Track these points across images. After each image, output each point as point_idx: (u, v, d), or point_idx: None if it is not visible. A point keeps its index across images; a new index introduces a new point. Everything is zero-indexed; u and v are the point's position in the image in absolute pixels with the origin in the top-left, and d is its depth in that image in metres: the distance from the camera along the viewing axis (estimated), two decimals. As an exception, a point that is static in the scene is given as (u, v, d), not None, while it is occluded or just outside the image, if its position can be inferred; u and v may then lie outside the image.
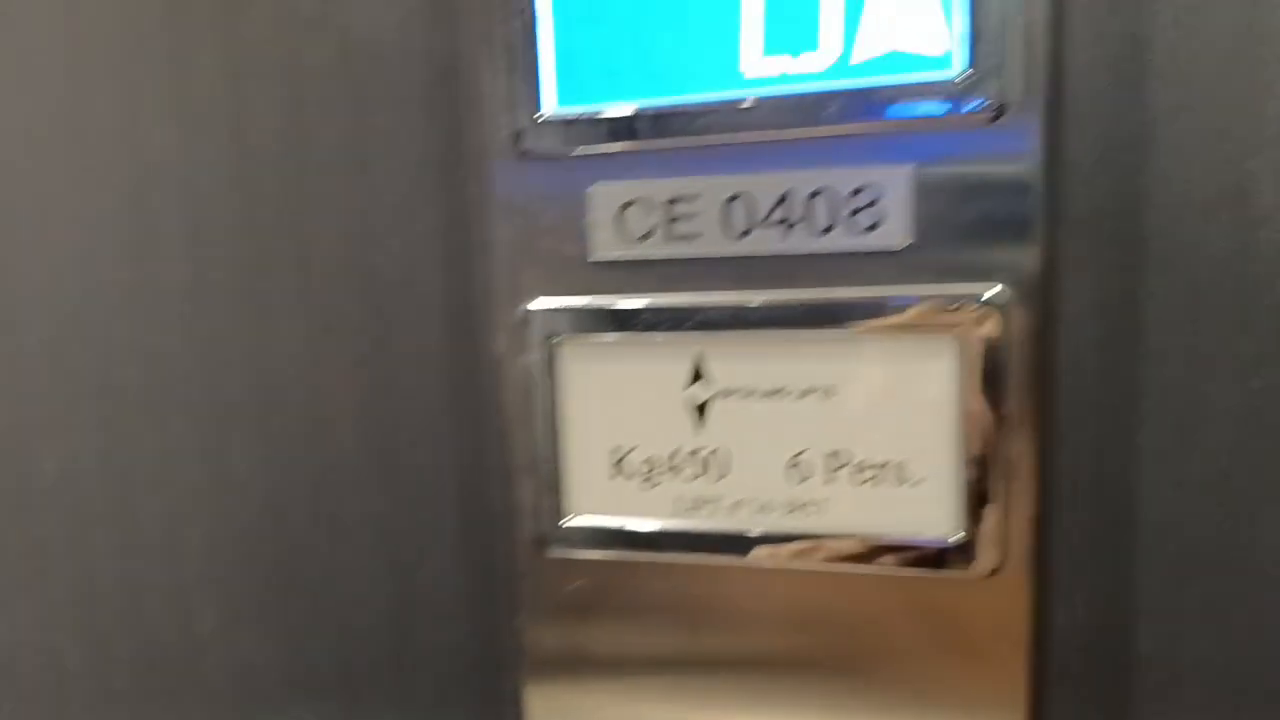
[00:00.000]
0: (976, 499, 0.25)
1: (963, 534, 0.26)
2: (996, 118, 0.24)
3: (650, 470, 0.28)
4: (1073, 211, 0.25)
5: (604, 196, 0.27)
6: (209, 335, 0.33)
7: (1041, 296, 0.25)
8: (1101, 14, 0.24)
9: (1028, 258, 0.24)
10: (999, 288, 0.25)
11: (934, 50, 0.24)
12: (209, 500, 0.33)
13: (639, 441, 0.28)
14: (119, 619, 0.34)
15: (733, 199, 0.26)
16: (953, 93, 0.24)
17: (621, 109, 0.27)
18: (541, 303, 0.28)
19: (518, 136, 0.27)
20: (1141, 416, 0.25)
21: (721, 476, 0.28)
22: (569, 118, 0.27)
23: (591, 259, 0.28)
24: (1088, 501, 0.26)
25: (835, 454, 0.27)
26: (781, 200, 0.26)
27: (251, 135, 0.31)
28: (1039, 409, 0.25)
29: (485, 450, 0.30)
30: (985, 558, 0.26)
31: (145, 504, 0.34)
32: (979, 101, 0.24)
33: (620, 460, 0.28)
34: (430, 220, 0.30)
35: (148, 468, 0.34)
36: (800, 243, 0.26)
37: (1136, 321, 0.25)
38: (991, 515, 0.25)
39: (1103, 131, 0.24)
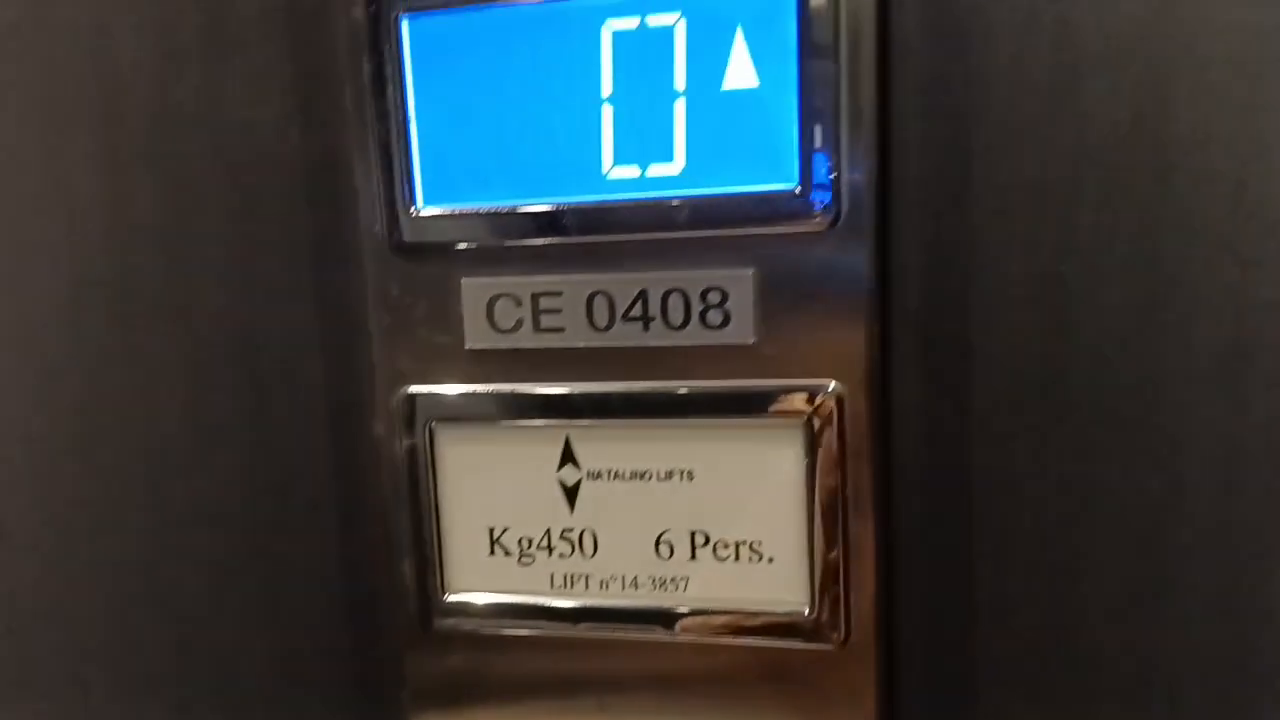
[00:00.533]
0: (825, 575, 0.27)
1: (813, 608, 0.27)
2: (833, 225, 0.26)
3: (526, 548, 0.30)
4: (904, 308, 0.26)
5: (473, 290, 0.29)
6: (88, 416, 0.33)
7: (878, 388, 0.26)
8: (927, 130, 0.26)
9: (864, 352, 0.26)
10: (837, 382, 0.26)
11: (775, 171, 0.26)
12: (97, 580, 0.34)
13: (514, 521, 0.30)
14: (9, 688, 0.35)
15: (594, 295, 0.28)
16: (792, 202, 0.26)
17: (489, 208, 0.28)
18: (419, 388, 0.29)
19: (391, 231, 0.29)
20: (971, 498, 0.27)
21: (593, 554, 0.29)
22: (440, 215, 0.28)
23: (465, 348, 0.29)
24: (926, 577, 0.28)
25: (696, 533, 0.28)
26: (639, 298, 0.27)
27: (131, 225, 0.32)
28: (878, 492, 0.27)
29: (368, 530, 0.31)
30: (834, 629, 0.27)
31: (34, 588, 0.34)
32: (815, 210, 0.26)
33: (497, 539, 0.30)
34: (310, 307, 0.31)
35: (33, 556, 0.34)
36: (658, 337, 0.27)
37: (964, 409, 0.27)
38: (838, 590, 0.27)
39: (929, 236, 0.26)
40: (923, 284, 0.27)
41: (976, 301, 0.26)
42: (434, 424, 0.29)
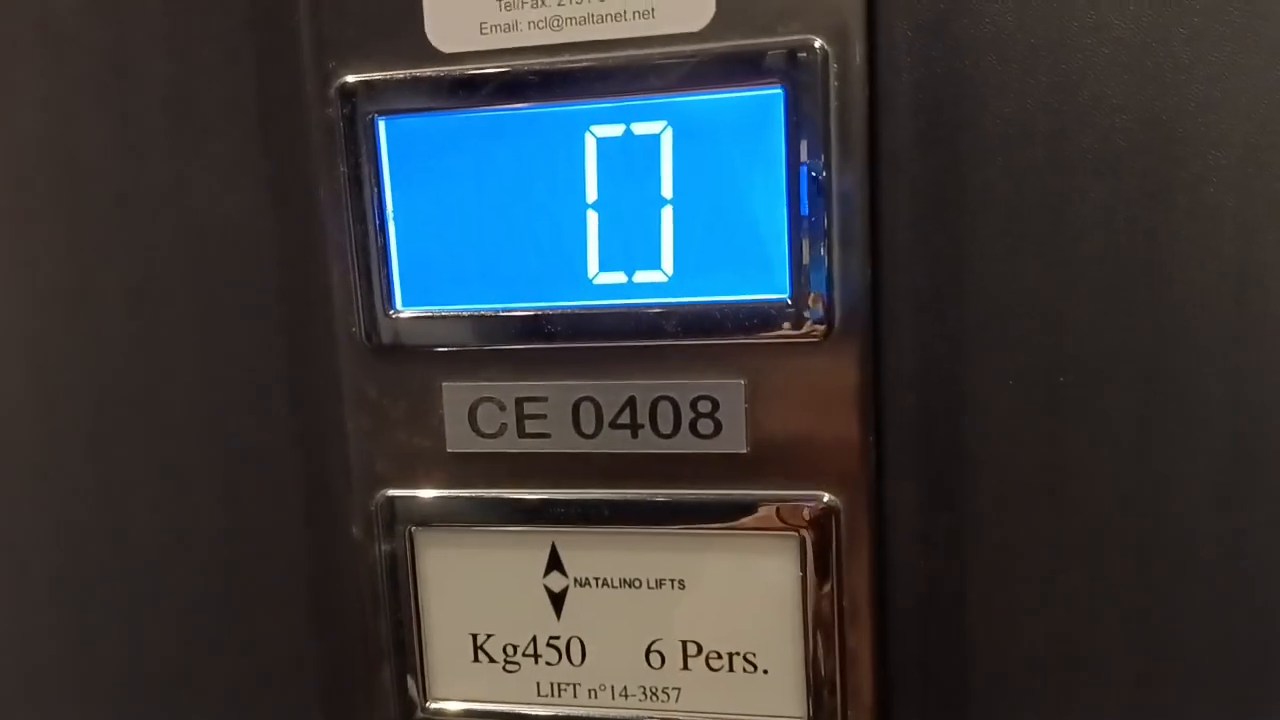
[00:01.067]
0: (821, 687, 0.27)
1: (807, 719, 0.27)
2: (826, 335, 0.25)
3: (511, 656, 0.29)
4: (896, 417, 0.26)
5: (456, 394, 0.28)
6: (58, 526, 0.32)
7: (873, 498, 0.26)
8: (918, 238, 0.26)
9: (859, 463, 0.26)
10: (830, 494, 0.26)
11: (766, 281, 0.25)
12: (65, 673, 0.33)
13: (498, 628, 0.29)
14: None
15: (580, 402, 0.27)
16: (784, 312, 0.25)
17: (471, 310, 0.27)
18: (398, 491, 0.29)
19: (369, 333, 0.28)
20: (965, 607, 0.27)
21: (580, 663, 0.28)
22: (420, 316, 0.28)
23: (446, 451, 0.28)
24: (921, 689, 0.27)
25: (688, 643, 0.28)
26: (627, 405, 0.27)
27: (99, 313, 0.31)
28: (873, 602, 0.26)
29: (345, 636, 0.31)
30: (830, 742, 0.27)
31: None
32: (808, 320, 0.25)
33: (481, 645, 0.29)
34: (283, 405, 0.30)
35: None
36: (646, 445, 0.27)
37: (960, 518, 0.27)
38: (835, 702, 0.27)
39: (922, 343, 0.26)
40: (916, 392, 0.26)
41: (971, 409, 0.26)
42: (414, 528, 0.29)
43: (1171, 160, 0.25)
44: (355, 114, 0.27)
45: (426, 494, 0.29)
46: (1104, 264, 0.25)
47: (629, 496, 0.27)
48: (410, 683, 0.29)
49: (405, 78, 0.26)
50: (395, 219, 0.27)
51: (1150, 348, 0.25)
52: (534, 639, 0.29)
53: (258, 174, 0.30)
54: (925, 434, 0.27)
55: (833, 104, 0.24)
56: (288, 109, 0.29)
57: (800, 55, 0.24)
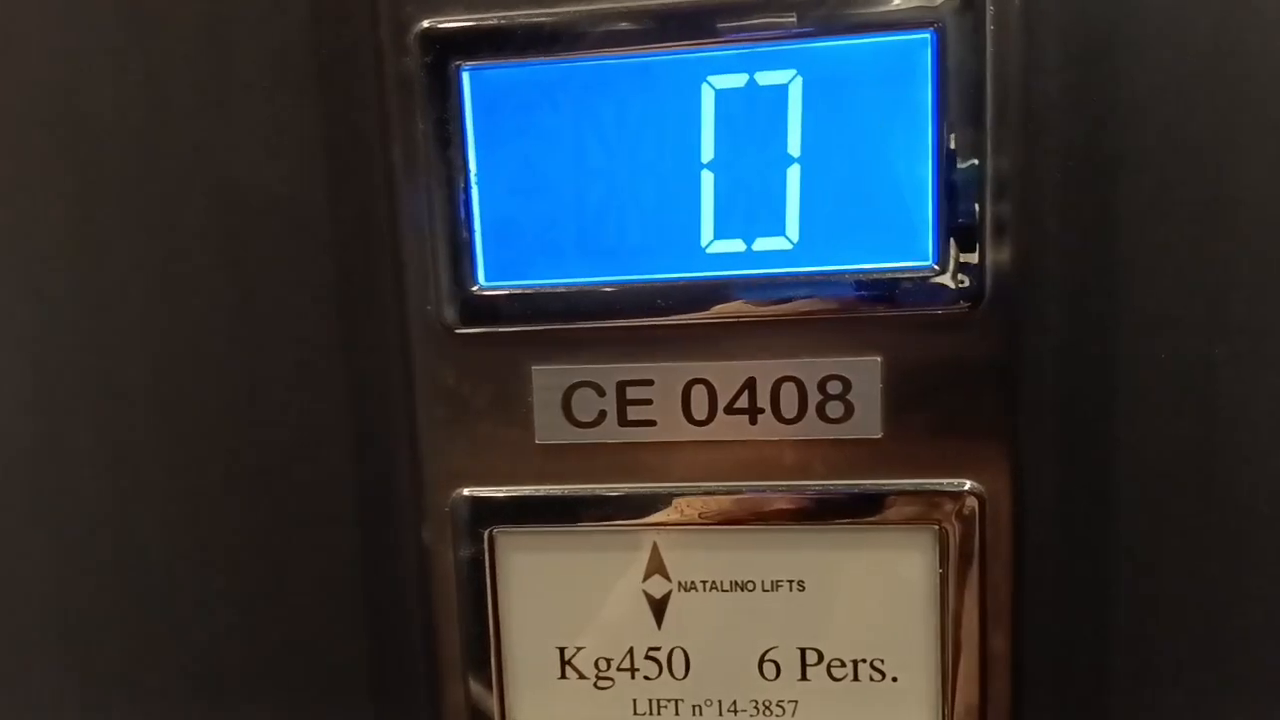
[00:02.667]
0: (961, 696, 0.25)
1: (943, 732, 0.25)
2: (973, 308, 0.23)
3: (603, 670, 0.26)
4: (1037, 398, 0.24)
5: (547, 378, 0.25)
6: (83, 540, 0.29)
7: (1016, 487, 0.24)
8: (1065, 205, 0.24)
9: (1006, 449, 0.24)
10: (974, 481, 0.24)
11: (907, 248, 0.23)
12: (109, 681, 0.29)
13: (590, 640, 0.26)
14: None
15: (692, 385, 0.25)
16: (927, 283, 0.23)
17: (564, 286, 0.25)
18: (478, 490, 0.26)
19: (447, 312, 0.25)
20: (1105, 603, 0.25)
21: (683, 676, 0.26)
22: (506, 293, 0.25)
23: (535, 443, 0.26)
24: (1058, 693, 0.26)
25: (808, 651, 0.26)
26: (745, 387, 0.24)
27: (121, 299, 0.28)
28: (1014, 600, 0.25)
29: (409, 651, 0.28)
30: (967, 756, 0.25)
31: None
32: (954, 292, 0.23)
33: (570, 660, 0.26)
34: (338, 396, 0.27)
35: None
36: (767, 432, 0.25)
37: (1104, 509, 0.25)
38: (973, 710, 0.25)
39: (1069, 318, 0.24)
40: (1060, 371, 0.24)
41: (1118, 390, 0.24)
42: (496, 530, 0.26)
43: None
44: (438, 64, 0.24)
45: (511, 491, 0.26)
46: (1266, 228, 0.24)
47: (745, 489, 0.25)
48: (488, 703, 0.27)
49: (496, 23, 0.24)
50: (479, 183, 0.25)
51: (1314, 319, 0.24)
52: (630, 651, 0.26)
53: (305, 137, 0.27)
54: (1067, 416, 0.25)
55: (989, 50, 0.22)
56: (344, 62, 0.26)
57: (955, -5, 0.22)
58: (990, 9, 0.22)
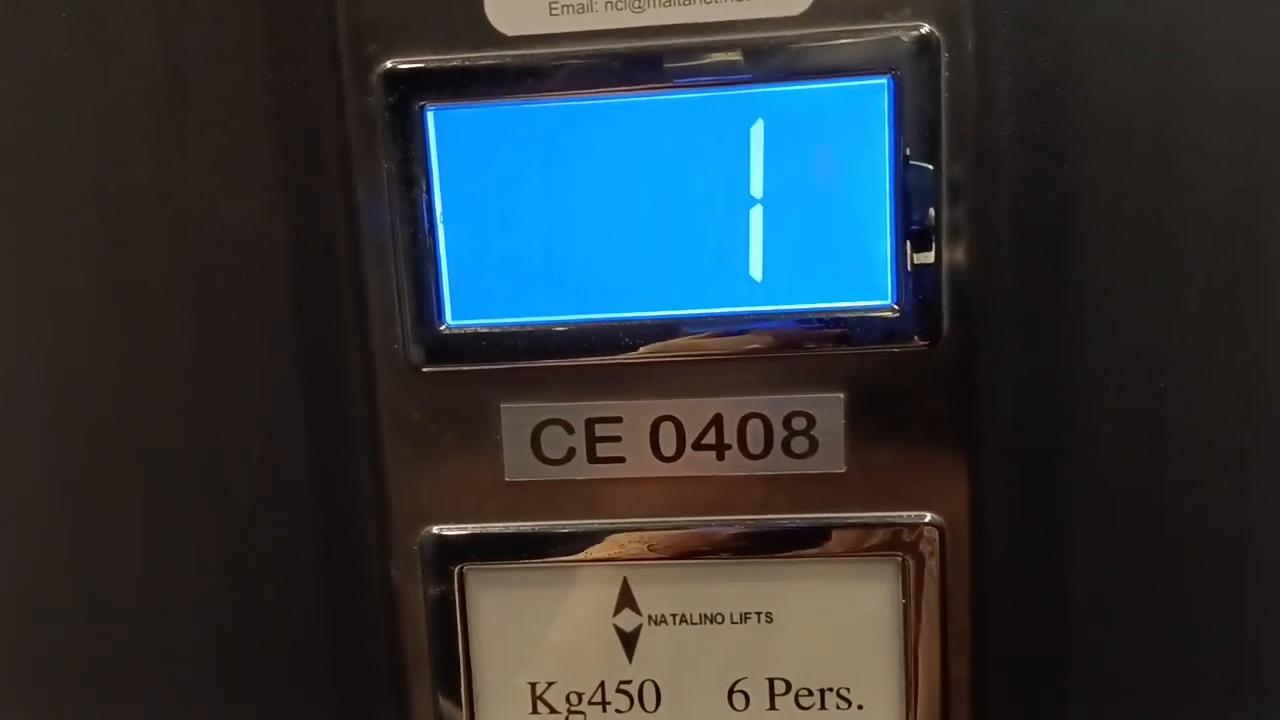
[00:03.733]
0: (920, 718, 0.26)
1: (908, 757, 0.26)
2: (932, 345, 0.24)
3: (574, 705, 0.27)
4: (992, 429, 0.25)
5: (516, 416, 0.26)
6: (38, 578, 0.28)
7: (974, 518, 0.25)
8: (1017, 243, 0.25)
9: (966, 481, 0.25)
10: (933, 514, 0.25)
11: (867, 287, 0.24)
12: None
13: (560, 675, 0.27)
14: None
15: (660, 422, 0.25)
16: (887, 320, 0.24)
17: (532, 324, 0.25)
18: (447, 528, 0.26)
19: (415, 351, 0.25)
20: (1063, 627, 0.26)
21: (655, 708, 0.27)
22: (473, 331, 0.25)
23: (504, 481, 0.26)
24: (1022, 717, 0.27)
25: (776, 681, 0.26)
26: (712, 424, 0.25)
27: (73, 335, 0.28)
28: (976, 630, 0.26)
29: (376, 689, 0.28)
30: (931, 780, 0.26)
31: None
32: (914, 330, 0.24)
33: (541, 695, 0.27)
34: (299, 435, 0.27)
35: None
36: (734, 467, 0.25)
37: (1059, 538, 0.26)
38: (935, 736, 0.26)
39: (1023, 352, 0.25)
40: (1016, 403, 0.25)
41: (1072, 422, 0.26)
42: (465, 567, 0.26)
43: (1276, 154, 0.24)
44: (402, 104, 0.24)
45: (480, 529, 0.26)
46: (1207, 264, 0.25)
47: (713, 524, 0.26)
48: (458, 740, 0.27)
49: (462, 64, 0.24)
50: (445, 222, 0.25)
51: (1254, 348, 0.25)
52: (602, 685, 0.27)
53: (264, 173, 0.27)
54: (1022, 447, 0.26)
55: (944, 95, 0.23)
56: (303, 99, 0.26)
57: (911, 42, 0.23)
58: (945, 55, 0.23)
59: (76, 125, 0.27)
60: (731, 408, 0.25)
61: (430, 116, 0.25)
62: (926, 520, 0.25)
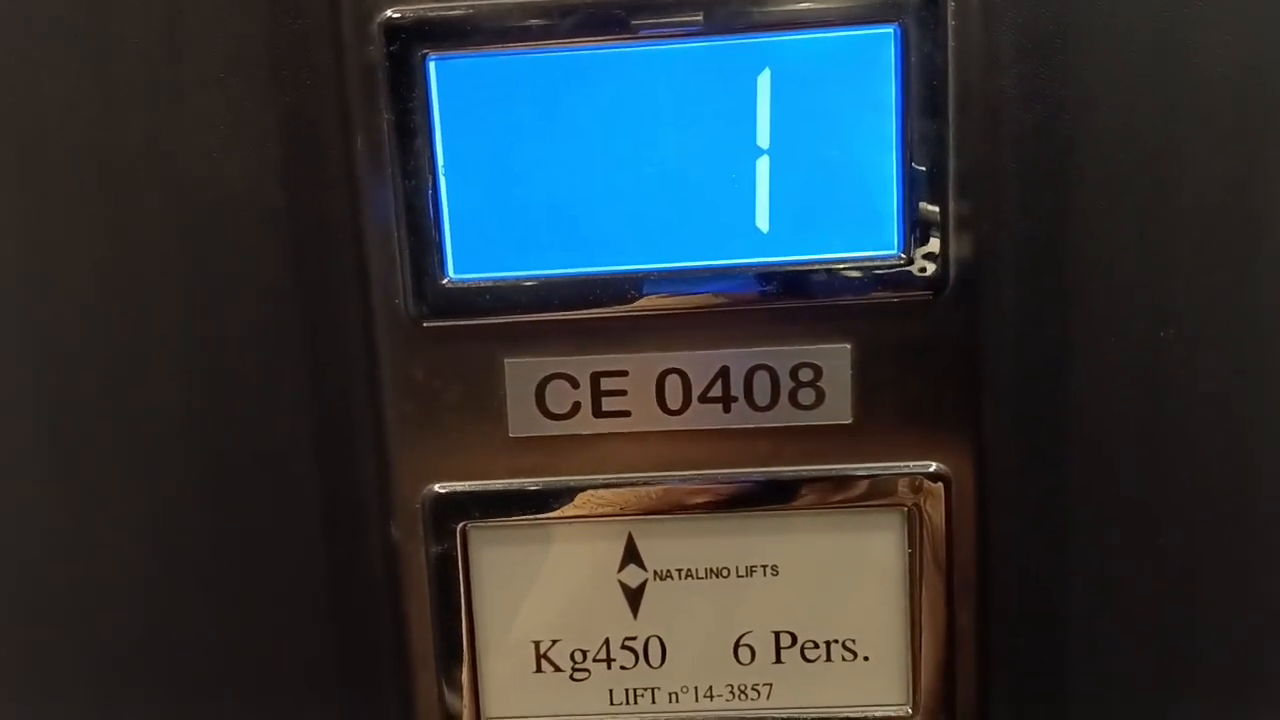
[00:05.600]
0: (930, 672, 0.26)
1: (916, 707, 0.27)
2: (937, 295, 0.25)
3: (580, 662, 0.27)
4: (997, 380, 0.26)
5: (520, 371, 0.26)
6: (26, 543, 0.28)
7: (980, 468, 0.26)
8: (1020, 194, 0.25)
9: (971, 431, 0.25)
10: (940, 463, 0.26)
11: (874, 237, 0.25)
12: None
13: (565, 632, 0.27)
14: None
15: (666, 375, 0.26)
16: (893, 270, 0.25)
17: (535, 277, 0.26)
18: (450, 486, 0.27)
19: (417, 305, 0.26)
20: (1065, 577, 0.27)
21: (660, 664, 0.27)
22: (477, 285, 0.26)
23: (508, 437, 0.26)
24: (1020, 669, 0.27)
25: (782, 634, 0.27)
26: (719, 376, 0.26)
27: (71, 299, 0.27)
28: (981, 580, 0.26)
29: (378, 651, 0.28)
30: (936, 729, 0.27)
31: None
32: (919, 279, 0.25)
33: (545, 653, 0.27)
34: (297, 392, 0.27)
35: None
36: (741, 419, 0.26)
37: (1060, 485, 0.27)
38: (941, 686, 0.26)
39: (1026, 304, 0.26)
40: (1022, 353, 0.26)
41: (1073, 370, 0.26)
42: (468, 525, 0.27)
43: (1273, 113, 0.25)
44: (404, 54, 0.25)
45: (484, 486, 0.27)
46: (1205, 217, 0.26)
47: (719, 477, 0.26)
48: (461, 701, 0.27)
49: (464, 13, 0.24)
50: (447, 174, 0.25)
51: (1251, 300, 0.26)
52: (606, 642, 0.27)
53: (262, 129, 0.27)
54: (1027, 399, 0.26)
55: (950, 45, 0.24)
56: (301, 51, 0.26)
57: (918, -9, 0.23)
58: (951, 5, 0.24)
59: (72, 84, 0.27)
60: (738, 359, 0.26)
61: (432, 66, 0.25)
62: (932, 470, 0.26)
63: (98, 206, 0.27)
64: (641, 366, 0.26)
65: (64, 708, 0.29)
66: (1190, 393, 0.27)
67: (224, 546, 0.28)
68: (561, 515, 0.27)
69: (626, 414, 0.26)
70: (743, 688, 0.27)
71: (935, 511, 0.26)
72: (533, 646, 0.28)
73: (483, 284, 0.26)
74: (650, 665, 0.27)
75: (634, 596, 0.27)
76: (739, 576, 0.27)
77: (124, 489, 0.28)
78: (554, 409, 0.26)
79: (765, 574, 0.27)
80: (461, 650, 0.27)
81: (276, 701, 0.29)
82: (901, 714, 0.27)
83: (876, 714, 0.27)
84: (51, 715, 0.30)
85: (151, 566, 0.28)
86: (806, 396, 0.26)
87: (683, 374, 0.26)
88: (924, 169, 0.24)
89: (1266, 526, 0.27)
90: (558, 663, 0.28)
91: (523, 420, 0.26)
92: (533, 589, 0.27)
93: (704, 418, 0.26)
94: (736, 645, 0.27)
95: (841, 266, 0.25)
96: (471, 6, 0.25)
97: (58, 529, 0.28)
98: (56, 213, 0.27)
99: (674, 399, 0.26)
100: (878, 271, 0.25)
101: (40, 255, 0.27)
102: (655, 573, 0.27)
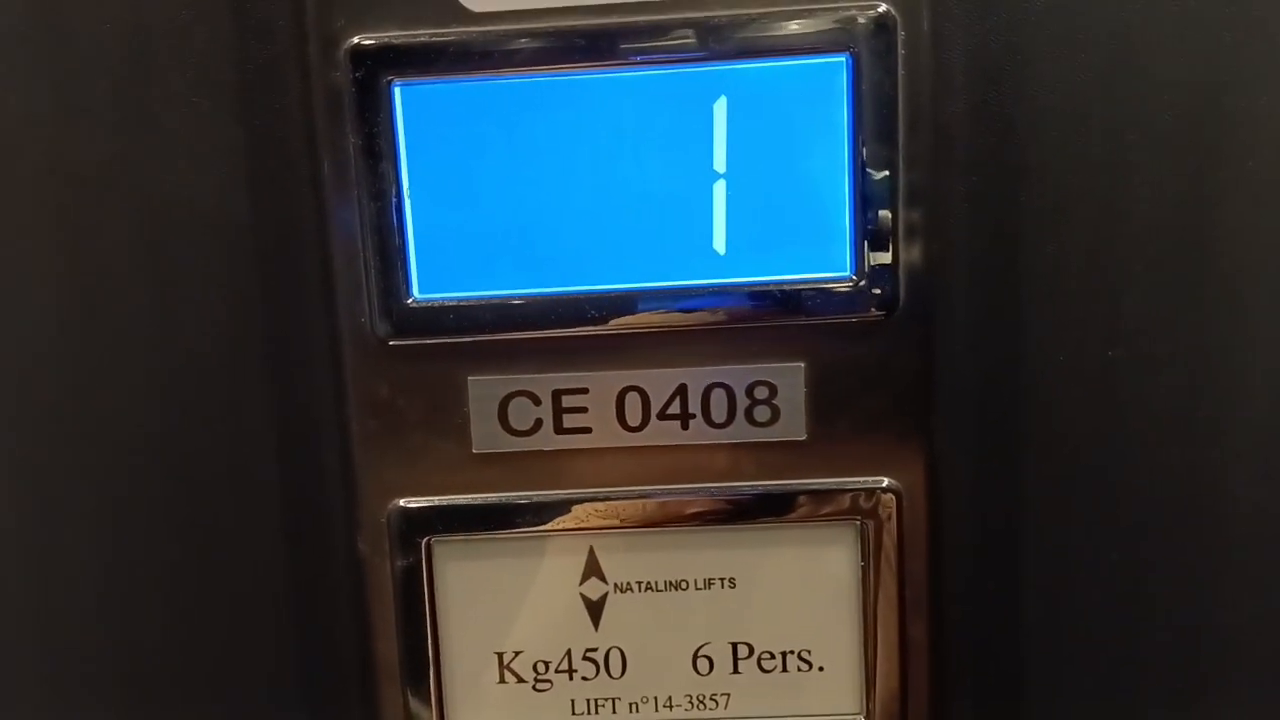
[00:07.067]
0: (883, 682, 0.27)
1: (866, 716, 0.28)
2: (889, 315, 0.26)
3: (542, 674, 0.28)
4: (948, 398, 0.27)
5: (483, 389, 0.27)
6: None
7: (931, 483, 0.27)
8: (970, 216, 0.27)
9: (922, 446, 0.27)
10: (891, 479, 0.27)
11: (826, 259, 0.26)
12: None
13: (527, 644, 0.28)
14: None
15: (626, 392, 0.27)
16: (846, 291, 0.26)
17: (498, 296, 0.27)
18: (414, 501, 0.28)
19: (382, 324, 0.27)
20: (1018, 593, 0.28)
21: (620, 675, 0.28)
22: (440, 304, 0.27)
23: (471, 453, 0.27)
24: (975, 679, 0.29)
25: (739, 645, 0.28)
26: (677, 394, 0.27)
27: (37, 316, 0.28)
28: (932, 590, 0.27)
29: (343, 665, 0.29)
30: (889, 738, 0.28)
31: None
32: (872, 300, 0.26)
33: (508, 665, 0.28)
34: (261, 411, 0.28)
35: None
36: (698, 436, 0.27)
37: (1015, 501, 0.28)
38: (894, 695, 0.28)
39: (978, 323, 0.27)
40: (973, 371, 0.27)
41: (1025, 389, 0.27)
42: (434, 540, 0.28)
43: (1220, 135, 0.26)
44: (369, 80, 0.26)
45: (448, 501, 0.28)
46: (1155, 240, 0.27)
47: (678, 492, 0.27)
48: (426, 710, 0.28)
49: (429, 40, 0.25)
50: (412, 196, 0.26)
51: (1199, 318, 0.27)
52: (568, 653, 0.28)
53: (229, 149, 0.28)
54: (979, 416, 0.28)
55: (900, 72, 0.25)
56: (268, 74, 0.27)
57: (868, 21, 0.25)
58: (901, 34, 0.25)
59: (38, 102, 0.28)
60: (696, 378, 0.27)
61: (397, 92, 0.26)
62: (884, 485, 0.27)
63: (64, 223, 0.28)
64: (602, 384, 0.27)
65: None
66: (1142, 408, 0.28)
67: (188, 560, 0.29)
68: (524, 529, 0.28)
69: (587, 430, 0.27)
70: (701, 697, 0.28)
71: (888, 525, 0.27)
72: (496, 658, 0.29)
73: (447, 303, 0.27)
74: (611, 676, 0.28)
75: (595, 609, 0.28)
76: (697, 589, 0.28)
77: (88, 503, 0.29)
78: (516, 425, 0.27)
79: (723, 586, 0.28)
80: (426, 662, 0.28)
81: (241, 714, 0.30)
82: (856, 723, 0.28)
83: (830, 723, 0.28)
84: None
85: (115, 579, 0.29)
86: (762, 414, 0.27)
87: (642, 392, 0.27)
88: (875, 192, 0.26)
89: (1219, 536, 0.29)
90: (521, 674, 0.29)
91: (486, 436, 0.27)
92: (496, 602, 0.28)
93: (663, 434, 0.27)
94: (695, 656, 0.28)
95: (796, 287, 0.26)
96: (436, 34, 0.26)
97: (23, 545, 0.29)
98: (22, 229, 0.28)
99: (634, 416, 0.27)
100: (831, 292, 0.26)
101: (4, 270, 0.28)
102: (616, 585, 0.28)
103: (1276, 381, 0.27)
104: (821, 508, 0.27)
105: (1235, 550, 0.28)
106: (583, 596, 0.28)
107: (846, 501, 0.27)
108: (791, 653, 0.28)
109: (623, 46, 0.25)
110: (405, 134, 0.26)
